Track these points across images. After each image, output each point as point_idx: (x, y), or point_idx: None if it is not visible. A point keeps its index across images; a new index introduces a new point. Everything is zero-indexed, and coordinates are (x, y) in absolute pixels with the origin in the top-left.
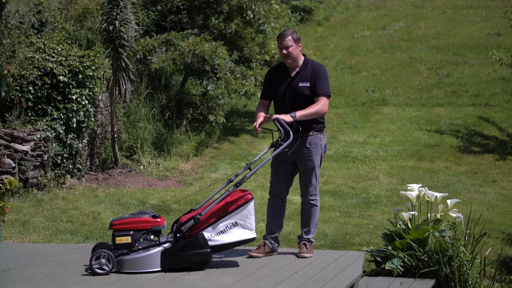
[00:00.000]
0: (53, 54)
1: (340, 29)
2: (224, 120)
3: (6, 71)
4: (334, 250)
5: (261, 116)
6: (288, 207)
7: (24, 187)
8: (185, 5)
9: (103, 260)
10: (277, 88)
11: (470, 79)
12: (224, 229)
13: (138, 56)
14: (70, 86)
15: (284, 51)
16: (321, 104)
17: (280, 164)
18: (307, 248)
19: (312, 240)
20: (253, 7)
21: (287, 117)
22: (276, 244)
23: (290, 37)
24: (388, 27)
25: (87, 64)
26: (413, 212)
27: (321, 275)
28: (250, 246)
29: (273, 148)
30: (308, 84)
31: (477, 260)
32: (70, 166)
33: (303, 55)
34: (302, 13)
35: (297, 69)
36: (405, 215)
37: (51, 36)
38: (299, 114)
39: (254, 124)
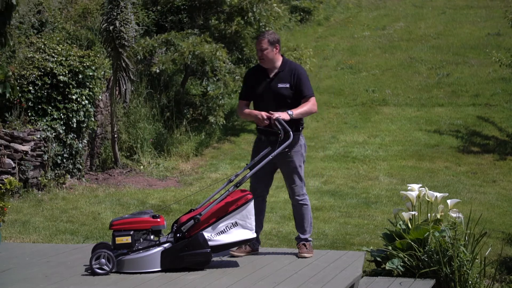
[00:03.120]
0: (53, 54)
1: (340, 29)
2: (224, 121)
3: (10, 73)
4: (334, 250)
5: (255, 111)
6: (288, 207)
7: (24, 187)
8: (185, 5)
9: (103, 260)
10: (256, 89)
11: (470, 79)
12: (224, 229)
13: (138, 57)
14: (70, 86)
15: (260, 54)
16: (312, 103)
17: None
18: (307, 248)
19: (310, 239)
20: (254, 8)
21: (285, 115)
22: (258, 244)
23: (266, 40)
24: (388, 27)
25: (87, 64)
26: (413, 212)
27: (321, 275)
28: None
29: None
30: (287, 85)
31: (477, 260)
32: (70, 166)
33: (282, 55)
34: (302, 13)
35: (276, 70)
36: (405, 215)
37: (51, 36)
38: (295, 112)
39: (260, 116)
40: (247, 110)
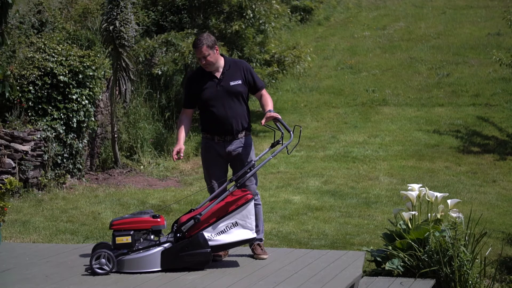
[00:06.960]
0: (53, 54)
1: (340, 29)
2: None
3: (9, 72)
4: (334, 250)
5: (181, 144)
6: (288, 207)
7: (24, 187)
8: (185, 5)
9: (103, 260)
10: (206, 93)
11: (470, 79)
12: (224, 229)
13: (140, 58)
14: (70, 86)
15: (203, 61)
16: (267, 93)
17: (215, 159)
18: (262, 249)
19: (263, 239)
20: (254, 6)
21: (275, 114)
22: None
23: (205, 46)
24: (388, 27)
25: (87, 64)
26: (413, 212)
27: (321, 275)
28: (246, 247)
29: (273, 148)
30: (240, 82)
31: (477, 260)
32: (70, 166)
33: (221, 55)
34: (302, 13)
35: (221, 70)
36: (406, 215)
37: (51, 36)
38: (271, 107)
39: (173, 152)
40: (179, 138)
